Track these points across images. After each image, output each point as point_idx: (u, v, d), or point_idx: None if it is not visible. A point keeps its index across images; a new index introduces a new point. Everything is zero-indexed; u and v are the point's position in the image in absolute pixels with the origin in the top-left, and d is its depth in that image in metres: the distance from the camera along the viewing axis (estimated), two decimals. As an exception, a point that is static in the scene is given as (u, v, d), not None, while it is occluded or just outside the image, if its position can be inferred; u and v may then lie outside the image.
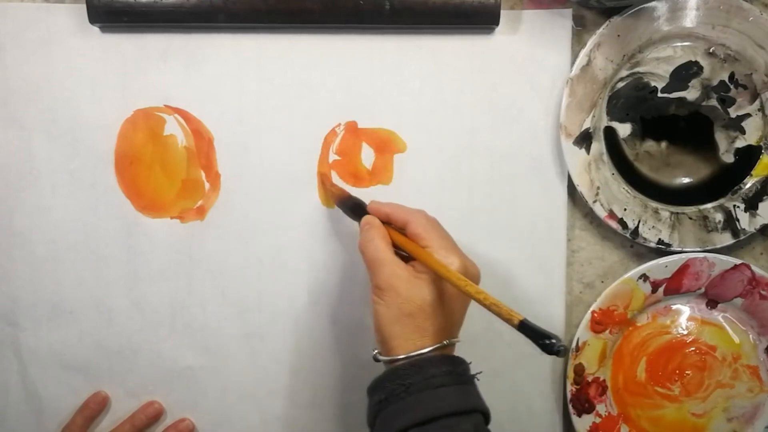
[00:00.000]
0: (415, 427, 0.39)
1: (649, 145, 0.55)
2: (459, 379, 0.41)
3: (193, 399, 0.56)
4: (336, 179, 0.54)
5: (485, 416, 0.41)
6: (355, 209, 0.49)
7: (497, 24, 0.51)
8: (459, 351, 0.56)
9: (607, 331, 0.55)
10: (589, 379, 0.55)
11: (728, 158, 0.53)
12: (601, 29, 0.51)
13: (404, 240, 0.44)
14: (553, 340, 0.35)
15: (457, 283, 0.40)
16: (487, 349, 0.55)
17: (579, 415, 0.55)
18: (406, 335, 0.42)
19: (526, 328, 0.36)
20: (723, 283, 0.54)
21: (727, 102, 0.52)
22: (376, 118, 0.53)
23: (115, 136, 0.53)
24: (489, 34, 0.52)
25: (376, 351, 0.44)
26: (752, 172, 0.53)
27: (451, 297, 0.43)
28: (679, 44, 0.51)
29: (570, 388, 0.55)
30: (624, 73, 0.52)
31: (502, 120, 0.53)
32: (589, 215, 0.55)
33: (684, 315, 0.56)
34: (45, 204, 0.54)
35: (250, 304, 0.55)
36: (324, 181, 0.53)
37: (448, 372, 0.41)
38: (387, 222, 0.46)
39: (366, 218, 0.47)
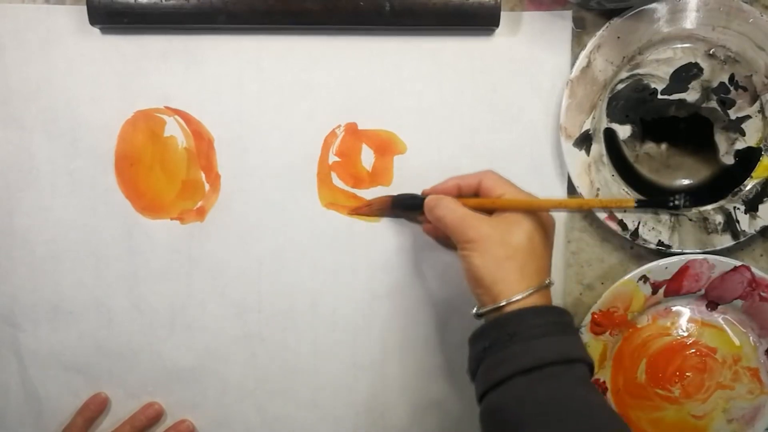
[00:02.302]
0: (519, 375, 0.39)
1: (649, 146, 0.55)
2: (563, 329, 0.41)
3: (193, 399, 0.56)
4: (336, 180, 0.54)
5: (590, 367, 0.41)
6: (411, 203, 0.50)
7: (497, 25, 0.51)
8: (459, 350, 0.56)
9: (607, 333, 0.55)
10: (589, 380, 0.55)
11: (728, 160, 0.53)
12: (601, 31, 0.51)
13: (478, 200, 0.46)
14: (676, 200, 0.38)
15: (555, 206, 0.43)
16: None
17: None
18: (510, 278, 0.42)
19: (645, 203, 0.42)
20: (723, 284, 0.54)
21: (727, 104, 0.52)
22: (376, 120, 0.53)
23: (116, 136, 0.53)
24: (489, 36, 0.53)
25: (475, 308, 0.44)
26: (752, 174, 0.53)
27: (538, 238, 0.44)
28: (679, 46, 0.51)
29: (570, 389, 0.55)
30: (624, 74, 0.52)
31: (502, 121, 0.53)
32: (589, 217, 0.55)
33: (684, 317, 0.56)
34: (45, 204, 0.54)
35: (250, 305, 0.55)
36: (361, 211, 0.54)
37: (552, 322, 0.41)
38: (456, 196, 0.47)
39: (430, 198, 0.47)
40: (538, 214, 0.44)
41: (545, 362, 0.39)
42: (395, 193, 0.53)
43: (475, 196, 0.47)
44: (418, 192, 0.53)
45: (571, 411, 0.38)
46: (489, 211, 0.46)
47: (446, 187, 0.48)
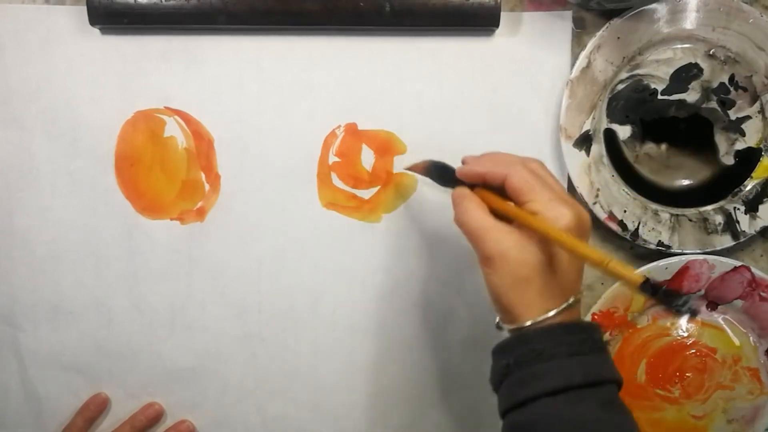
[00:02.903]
0: (545, 396, 0.36)
1: (649, 147, 0.55)
2: (591, 347, 0.38)
3: (193, 399, 0.56)
4: (336, 180, 0.54)
5: (619, 385, 0.39)
6: (444, 174, 0.46)
7: (497, 26, 0.51)
8: (459, 350, 0.56)
9: (608, 333, 0.55)
10: (589, 381, 0.55)
11: (728, 160, 0.53)
12: (601, 31, 0.51)
13: (501, 202, 0.40)
14: (685, 302, 0.32)
15: (564, 245, 0.37)
16: (487, 351, 0.55)
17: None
18: (528, 301, 0.38)
19: (651, 288, 0.33)
20: (723, 285, 0.54)
21: (727, 104, 0.52)
22: (376, 120, 0.53)
23: (115, 137, 0.53)
24: (489, 36, 0.52)
25: (498, 320, 0.41)
26: (752, 175, 0.53)
27: (564, 252, 0.39)
28: (679, 46, 0.51)
29: (570, 389, 0.55)
30: (624, 75, 0.52)
31: (502, 122, 0.53)
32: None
33: (684, 317, 0.56)
34: (45, 204, 0.54)
35: (250, 305, 0.55)
36: (413, 169, 0.50)
37: (580, 340, 0.38)
38: (483, 183, 0.42)
39: (456, 191, 0.43)
40: (576, 214, 0.38)
41: (573, 385, 0.36)
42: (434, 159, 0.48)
43: (502, 190, 0.41)
44: (417, 193, 0.53)
45: None
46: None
47: (474, 175, 0.42)
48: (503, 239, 0.39)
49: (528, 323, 0.38)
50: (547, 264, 0.38)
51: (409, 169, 0.51)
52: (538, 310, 0.38)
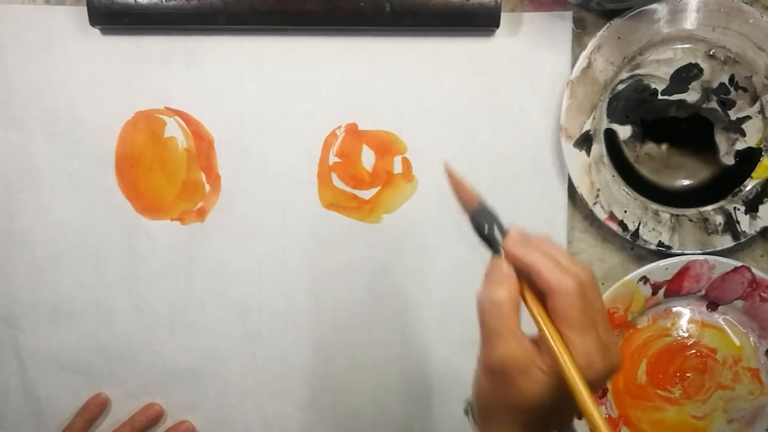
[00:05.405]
0: None
1: (650, 147, 0.55)
2: None
3: (193, 400, 0.56)
4: (336, 181, 0.54)
5: None
6: (487, 223, 0.38)
7: (498, 26, 0.51)
8: (459, 350, 0.56)
9: (608, 334, 0.55)
10: (590, 381, 0.55)
11: (728, 160, 0.53)
12: (601, 31, 0.51)
13: (538, 309, 0.34)
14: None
15: (583, 409, 0.32)
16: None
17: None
18: (507, 425, 0.35)
19: None
20: (723, 285, 0.54)
21: (727, 104, 0.52)
22: (376, 120, 0.53)
23: (116, 137, 0.53)
24: (489, 36, 0.53)
25: (468, 406, 0.38)
26: (752, 175, 0.53)
27: (563, 390, 0.33)
28: (679, 46, 0.51)
29: (570, 390, 0.55)
30: (624, 75, 0.52)
31: (503, 122, 0.53)
32: (590, 217, 0.55)
33: (684, 317, 0.56)
34: (45, 205, 0.54)
35: (250, 306, 0.55)
36: (456, 185, 0.40)
37: None
38: (525, 272, 0.35)
39: (498, 264, 0.35)
40: (588, 358, 0.33)
41: None
42: (485, 201, 0.39)
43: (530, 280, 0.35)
44: (417, 194, 0.52)
45: None
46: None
47: (522, 262, 0.35)
48: (516, 357, 0.33)
49: None
50: (547, 402, 0.34)
51: (457, 188, 0.40)
52: None
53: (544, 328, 0.34)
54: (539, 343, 0.34)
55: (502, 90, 0.53)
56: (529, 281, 0.35)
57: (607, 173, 0.53)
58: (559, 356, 0.33)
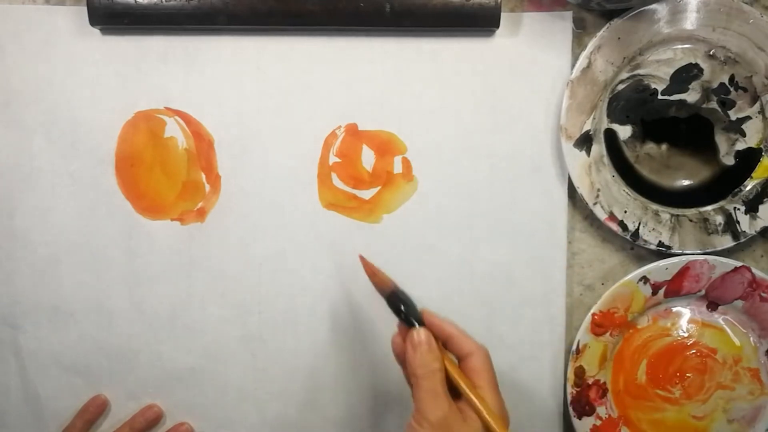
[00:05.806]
0: None
1: (650, 147, 0.55)
2: None
3: (193, 401, 0.56)
4: (336, 181, 0.54)
5: None
6: (404, 306, 0.44)
7: (498, 26, 0.51)
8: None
9: (608, 334, 0.55)
10: (590, 381, 0.55)
11: (728, 160, 0.53)
12: (601, 32, 0.51)
13: (459, 373, 0.42)
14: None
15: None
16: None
17: (579, 418, 0.55)
18: None
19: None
20: (723, 285, 0.54)
21: (727, 104, 0.52)
22: (376, 121, 0.53)
23: (116, 137, 0.53)
24: (489, 37, 0.53)
25: None
26: (752, 175, 0.53)
27: None
28: (679, 46, 0.51)
29: (570, 390, 0.55)
30: (624, 75, 0.52)
31: (503, 122, 0.53)
32: (590, 217, 0.55)
33: (684, 317, 0.56)
34: (45, 205, 0.54)
35: (250, 306, 0.55)
36: (371, 272, 0.47)
37: None
38: (443, 343, 0.43)
39: (421, 332, 0.42)
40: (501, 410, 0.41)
41: None
42: (398, 285, 0.45)
43: (446, 344, 0.43)
44: (417, 194, 0.52)
45: None
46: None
47: (441, 332, 0.43)
48: (453, 416, 0.39)
49: None
50: None
51: (371, 275, 0.46)
52: None
53: (466, 389, 0.41)
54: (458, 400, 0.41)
55: (502, 90, 0.53)
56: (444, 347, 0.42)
57: (607, 173, 0.53)
58: (482, 409, 0.40)
